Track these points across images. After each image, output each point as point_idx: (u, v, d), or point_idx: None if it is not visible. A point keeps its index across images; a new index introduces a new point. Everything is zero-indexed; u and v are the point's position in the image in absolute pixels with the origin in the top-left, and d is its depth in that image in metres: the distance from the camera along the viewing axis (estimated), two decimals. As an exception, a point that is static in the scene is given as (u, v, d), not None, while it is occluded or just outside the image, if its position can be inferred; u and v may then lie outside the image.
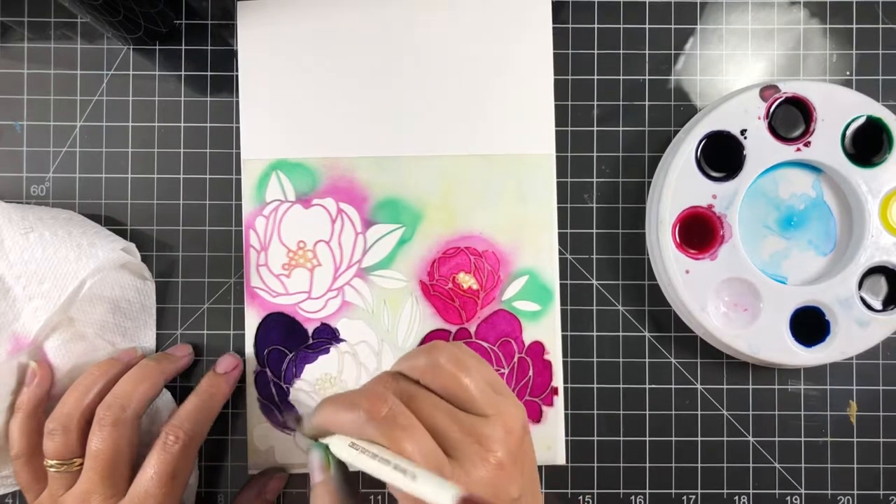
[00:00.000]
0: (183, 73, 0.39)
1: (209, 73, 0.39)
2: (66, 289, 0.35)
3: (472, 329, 0.39)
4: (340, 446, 0.27)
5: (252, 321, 0.38)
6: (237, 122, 0.39)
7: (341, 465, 0.29)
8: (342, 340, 0.38)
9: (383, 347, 0.38)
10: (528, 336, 0.39)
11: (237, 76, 0.39)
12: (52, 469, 0.33)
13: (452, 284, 0.39)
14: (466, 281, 0.39)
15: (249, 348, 0.38)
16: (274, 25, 0.39)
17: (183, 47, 0.39)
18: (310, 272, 0.39)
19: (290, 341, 0.38)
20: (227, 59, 0.39)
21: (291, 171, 0.39)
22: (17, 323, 0.35)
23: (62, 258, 0.35)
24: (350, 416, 0.27)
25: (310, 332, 0.38)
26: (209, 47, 0.39)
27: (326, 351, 0.38)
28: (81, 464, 0.33)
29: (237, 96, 0.39)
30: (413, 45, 0.39)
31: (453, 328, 0.39)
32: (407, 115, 0.39)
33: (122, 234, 0.39)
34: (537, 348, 0.39)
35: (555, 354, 0.39)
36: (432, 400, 0.27)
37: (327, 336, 0.39)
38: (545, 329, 0.39)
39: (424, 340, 0.39)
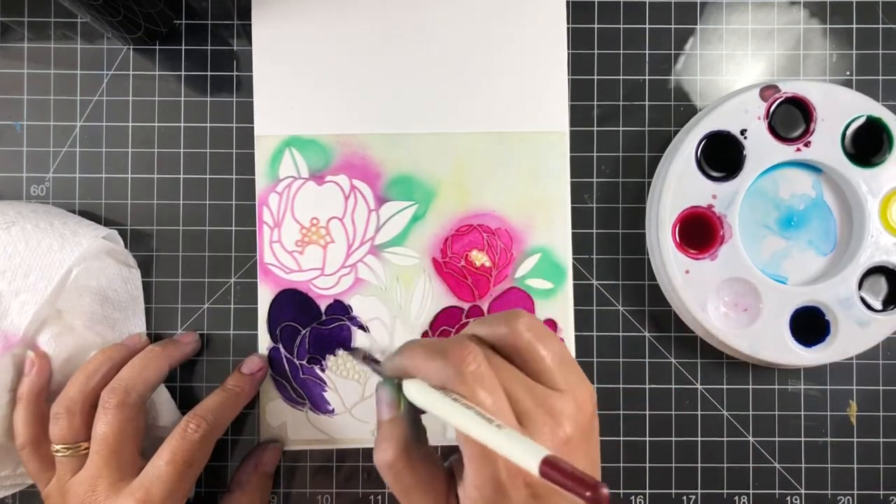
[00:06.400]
0: (183, 73, 0.39)
1: (209, 73, 0.39)
2: (53, 279, 0.35)
3: (485, 307, 0.39)
4: (418, 388, 0.28)
5: (265, 297, 0.38)
6: (237, 121, 0.39)
7: (411, 408, 0.30)
8: (355, 317, 0.39)
9: (395, 324, 0.39)
10: (541, 314, 0.39)
11: (237, 76, 0.39)
12: (58, 454, 0.33)
13: (465, 262, 0.39)
14: (479, 258, 0.39)
15: (262, 324, 0.38)
16: (288, 2, 0.39)
17: (183, 47, 0.39)
18: (323, 249, 0.39)
19: (303, 318, 0.39)
20: (227, 59, 0.39)
21: (305, 148, 0.39)
22: (6, 321, 0.35)
23: (46, 248, 0.35)
24: (437, 363, 0.27)
25: (322, 308, 0.39)
26: (209, 47, 0.39)
27: (340, 328, 0.39)
28: (88, 448, 0.33)
29: (237, 96, 0.39)
30: (427, 23, 0.39)
31: (466, 306, 0.39)
32: (420, 92, 0.39)
33: (122, 234, 0.39)
34: (550, 326, 0.39)
35: (567, 332, 0.39)
36: (508, 367, 0.27)
37: (340, 313, 0.39)
38: (558, 307, 0.39)
39: (437, 318, 0.39)
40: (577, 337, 0.39)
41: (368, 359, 0.35)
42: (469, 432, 0.24)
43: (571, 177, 0.39)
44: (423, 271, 0.39)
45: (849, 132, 0.37)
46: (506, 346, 0.28)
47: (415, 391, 0.28)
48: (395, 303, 0.39)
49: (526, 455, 0.22)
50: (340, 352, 0.38)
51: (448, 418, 0.26)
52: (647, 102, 0.40)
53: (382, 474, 0.28)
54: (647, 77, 0.40)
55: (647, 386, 0.39)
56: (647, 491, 0.39)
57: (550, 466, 0.21)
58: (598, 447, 0.29)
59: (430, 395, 0.27)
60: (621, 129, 0.40)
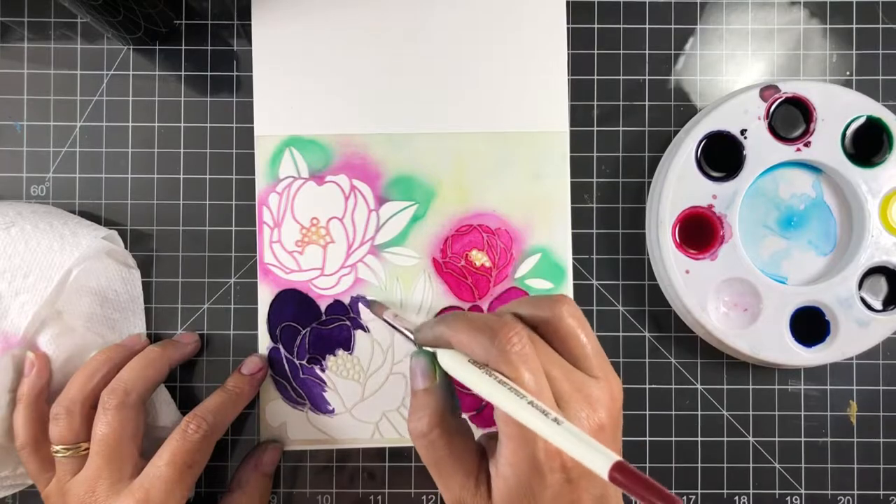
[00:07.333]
0: (183, 73, 0.39)
1: (209, 73, 0.39)
2: (53, 279, 0.35)
3: (485, 306, 0.39)
4: (458, 363, 0.27)
5: (265, 297, 0.39)
6: (237, 122, 0.39)
7: (447, 379, 0.29)
8: (354, 317, 0.39)
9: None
10: None
11: (237, 76, 0.39)
12: (58, 455, 0.33)
13: (465, 262, 0.39)
14: (479, 258, 0.39)
15: (262, 325, 0.38)
16: (288, 1, 0.39)
17: (183, 47, 0.39)
18: (323, 249, 0.39)
19: (303, 318, 0.39)
20: (227, 59, 0.39)
21: (305, 148, 0.39)
22: (6, 321, 0.35)
23: (46, 249, 0.35)
24: (482, 340, 0.26)
25: (323, 308, 0.39)
26: (209, 47, 0.39)
27: (340, 328, 0.39)
28: (88, 448, 0.33)
29: (237, 96, 0.39)
30: (427, 23, 0.39)
31: (466, 305, 0.39)
32: (420, 92, 0.39)
33: (122, 234, 0.39)
34: None
35: None
36: (549, 350, 0.27)
37: (340, 313, 0.39)
38: None
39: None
40: (577, 337, 0.39)
41: (390, 317, 0.35)
42: (524, 422, 0.24)
43: (571, 177, 0.39)
44: (423, 271, 0.39)
45: (849, 132, 0.37)
46: (547, 329, 0.28)
47: (456, 366, 0.28)
48: (395, 303, 0.39)
49: (594, 457, 0.21)
50: (361, 306, 0.38)
51: (496, 401, 0.25)
52: (647, 102, 0.40)
53: (416, 444, 0.28)
54: (647, 77, 0.40)
55: (647, 386, 0.39)
56: (647, 491, 0.39)
57: (621, 472, 0.20)
58: (621, 440, 0.29)
59: (473, 372, 0.26)
60: (621, 129, 0.40)
